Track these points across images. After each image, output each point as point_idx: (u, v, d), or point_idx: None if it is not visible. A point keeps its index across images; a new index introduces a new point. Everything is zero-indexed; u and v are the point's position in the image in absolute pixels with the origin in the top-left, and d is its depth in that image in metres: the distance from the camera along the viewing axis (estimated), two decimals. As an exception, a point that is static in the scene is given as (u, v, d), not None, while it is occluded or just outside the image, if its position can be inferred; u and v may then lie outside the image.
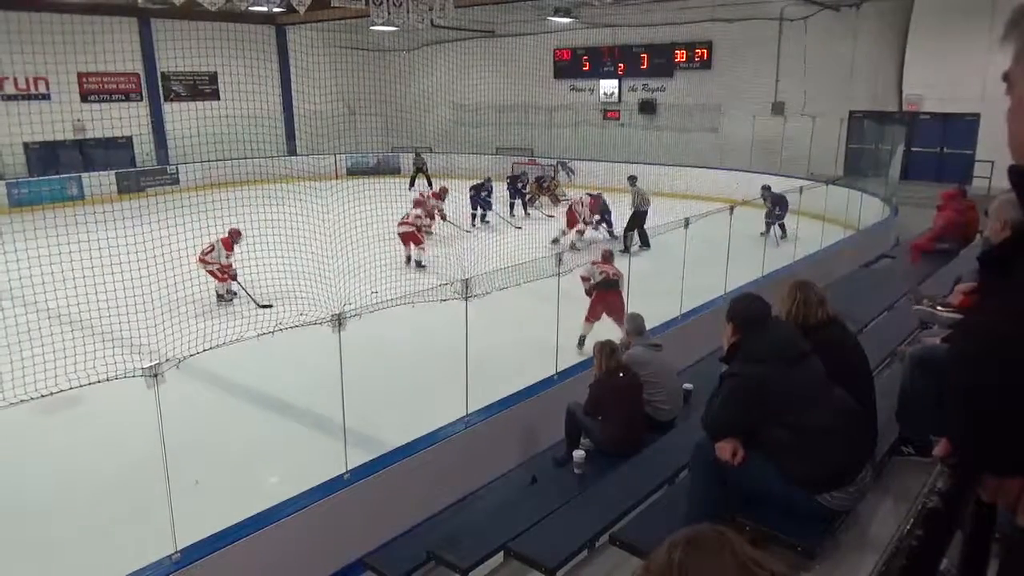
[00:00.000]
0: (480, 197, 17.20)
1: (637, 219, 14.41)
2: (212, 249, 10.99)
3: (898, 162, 16.46)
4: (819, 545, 3.10)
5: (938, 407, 2.97)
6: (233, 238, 11.32)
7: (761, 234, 14.53)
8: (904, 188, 16.46)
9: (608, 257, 9.17)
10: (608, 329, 8.36)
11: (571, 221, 15.01)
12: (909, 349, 4.18)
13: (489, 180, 17.77)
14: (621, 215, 14.83)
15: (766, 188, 15.42)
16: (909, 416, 3.69)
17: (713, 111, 21.81)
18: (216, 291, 11.19)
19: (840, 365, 3.32)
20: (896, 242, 12.89)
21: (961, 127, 17.76)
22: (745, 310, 3.36)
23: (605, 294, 8.85)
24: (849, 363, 3.43)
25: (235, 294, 11.31)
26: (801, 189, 13.40)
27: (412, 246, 13.39)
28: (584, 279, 8.98)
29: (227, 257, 11.15)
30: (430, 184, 21.79)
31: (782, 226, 15.13)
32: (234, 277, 11.27)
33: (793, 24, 19.91)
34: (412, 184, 22.12)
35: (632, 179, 15.37)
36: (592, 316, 8.96)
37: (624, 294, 8.68)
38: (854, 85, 18.80)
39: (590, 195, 15.14)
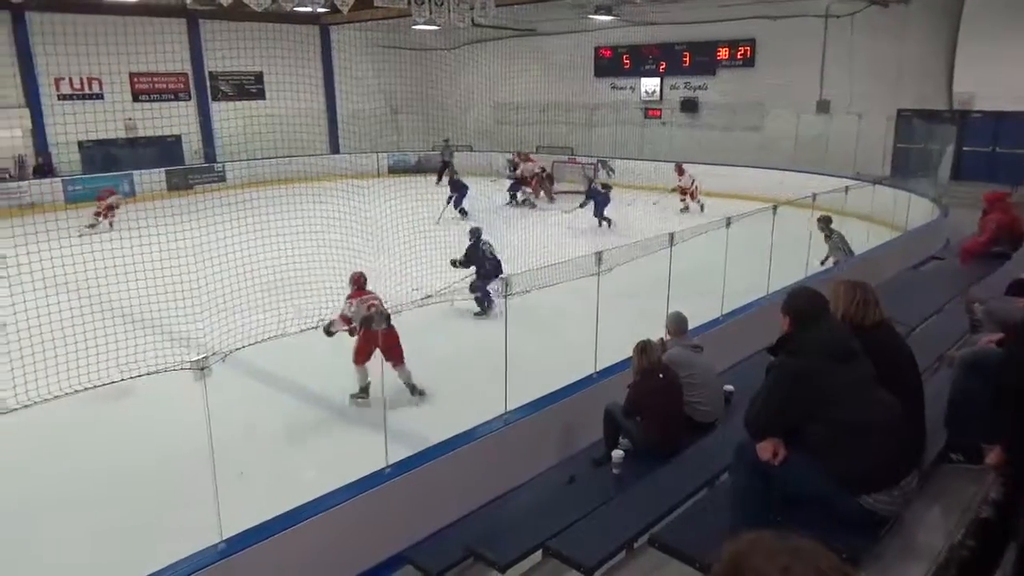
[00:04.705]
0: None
1: None
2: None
3: (948, 162, 16.02)
4: (865, 552, 3.04)
5: (991, 411, 2.90)
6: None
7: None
8: (955, 189, 16.01)
9: (361, 283, 7.64)
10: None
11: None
12: (959, 353, 4.09)
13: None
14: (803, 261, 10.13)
15: (607, 188, 16.68)
16: (959, 422, 3.61)
17: (756, 109, 21.48)
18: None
19: (890, 368, 3.26)
20: (946, 244, 12.56)
21: (1015, 126, 17.22)
22: (800, 303, 3.32)
23: (371, 331, 7.07)
24: (899, 367, 3.37)
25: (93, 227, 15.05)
26: (847, 189, 13.13)
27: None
28: (345, 319, 7.32)
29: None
30: (440, 179, 21.88)
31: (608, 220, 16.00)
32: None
33: (839, 21, 19.49)
34: (440, 178, 21.92)
35: (826, 221, 11.18)
36: (361, 358, 7.37)
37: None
38: (902, 83, 18.34)
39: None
